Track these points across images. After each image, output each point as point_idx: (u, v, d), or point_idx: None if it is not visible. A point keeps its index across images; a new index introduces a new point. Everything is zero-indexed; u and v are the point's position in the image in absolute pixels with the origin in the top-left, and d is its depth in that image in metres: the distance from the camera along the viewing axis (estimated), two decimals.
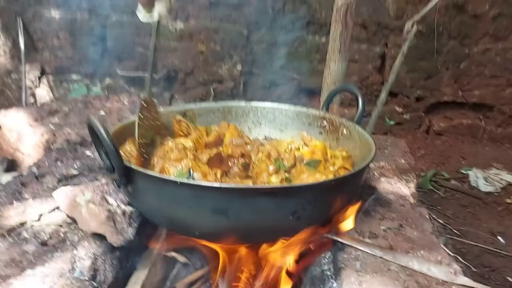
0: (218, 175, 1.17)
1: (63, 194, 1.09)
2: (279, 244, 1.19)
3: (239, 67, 3.01)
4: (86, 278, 0.91)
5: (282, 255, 1.17)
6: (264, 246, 1.19)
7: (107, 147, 0.96)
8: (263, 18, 2.86)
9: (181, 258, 1.19)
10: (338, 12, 1.94)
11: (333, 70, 1.98)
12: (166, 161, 1.20)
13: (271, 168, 1.20)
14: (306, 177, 1.16)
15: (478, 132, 2.85)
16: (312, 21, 2.80)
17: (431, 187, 2.39)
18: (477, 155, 2.73)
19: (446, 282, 0.90)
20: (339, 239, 1.03)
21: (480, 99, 2.77)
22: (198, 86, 3.08)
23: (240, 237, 1.02)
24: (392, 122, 2.93)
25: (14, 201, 1.17)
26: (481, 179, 2.44)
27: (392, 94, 2.84)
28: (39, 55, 3.23)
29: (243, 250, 1.19)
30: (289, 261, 1.17)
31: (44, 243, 1.00)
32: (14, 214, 1.10)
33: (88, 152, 1.52)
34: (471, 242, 1.89)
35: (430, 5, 2.20)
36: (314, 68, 2.86)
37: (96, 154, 1.50)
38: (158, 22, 1.48)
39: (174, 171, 1.15)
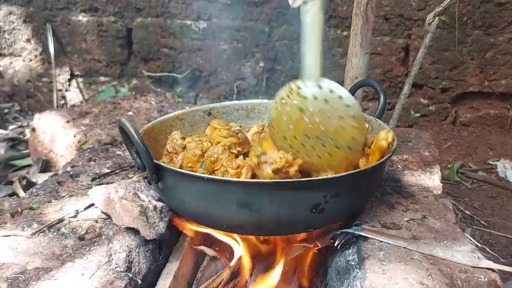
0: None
1: (98, 192, 1.15)
2: (301, 237, 1.23)
3: (261, 64, 3.04)
4: (122, 270, 0.97)
5: (301, 250, 1.20)
6: (286, 240, 1.23)
7: (137, 147, 1.01)
8: (284, 15, 2.88)
9: (209, 252, 1.24)
10: (358, 6, 1.94)
11: (355, 64, 1.98)
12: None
13: None
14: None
15: (505, 122, 2.80)
16: (333, 15, 2.81)
17: (458, 179, 2.37)
18: (504, 145, 2.68)
19: (469, 268, 0.91)
20: (362, 233, 1.05)
21: (507, 89, 2.71)
22: (222, 84, 3.13)
23: (265, 229, 1.06)
24: (417, 114, 2.91)
25: (52, 199, 1.24)
26: (509, 170, 2.40)
27: (417, 86, 2.82)
28: (68, 58, 3.34)
29: (268, 244, 1.23)
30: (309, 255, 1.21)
31: (81, 238, 1.06)
32: (53, 211, 1.16)
33: (118, 152, 1.58)
34: (499, 233, 1.88)
35: None
36: (336, 62, 2.86)
37: (127, 153, 1.57)
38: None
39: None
